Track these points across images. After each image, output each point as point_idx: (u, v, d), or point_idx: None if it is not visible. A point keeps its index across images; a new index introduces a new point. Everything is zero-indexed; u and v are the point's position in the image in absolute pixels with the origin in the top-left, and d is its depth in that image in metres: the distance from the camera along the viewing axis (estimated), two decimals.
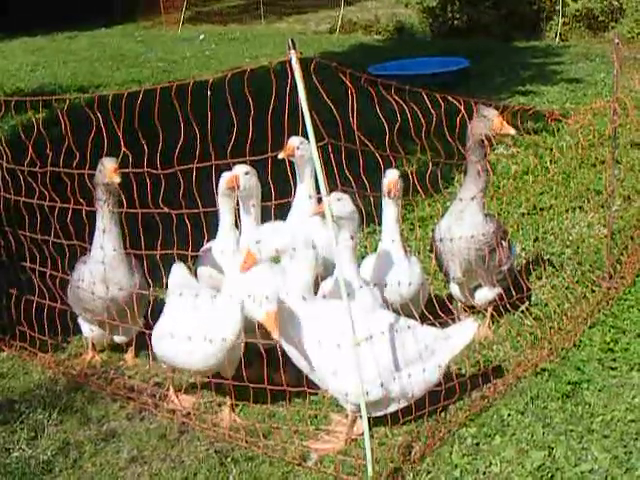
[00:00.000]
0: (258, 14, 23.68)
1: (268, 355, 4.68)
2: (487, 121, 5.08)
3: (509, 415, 4.52)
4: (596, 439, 4.27)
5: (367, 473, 4.05)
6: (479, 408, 4.58)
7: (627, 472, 4.02)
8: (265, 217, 5.06)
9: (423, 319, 4.79)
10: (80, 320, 5.42)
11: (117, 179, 4.90)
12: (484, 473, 4.09)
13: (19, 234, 5.50)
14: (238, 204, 5.12)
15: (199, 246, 5.18)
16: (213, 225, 5.14)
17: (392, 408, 4.41)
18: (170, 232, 4.86)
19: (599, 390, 4.70)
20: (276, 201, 4.52)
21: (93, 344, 5.47)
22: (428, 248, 6.28)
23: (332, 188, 4.22)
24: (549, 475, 4.03)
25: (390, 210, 5.05)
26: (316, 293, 4.77)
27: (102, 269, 5.04)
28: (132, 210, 4.72)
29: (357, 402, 4.12)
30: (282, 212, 5.18)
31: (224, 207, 5.12)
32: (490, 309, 5.52)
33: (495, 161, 8.59)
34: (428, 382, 4.43)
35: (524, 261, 6.43)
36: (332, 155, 4.18)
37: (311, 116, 3.77)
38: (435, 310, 5.00)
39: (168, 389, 4.92)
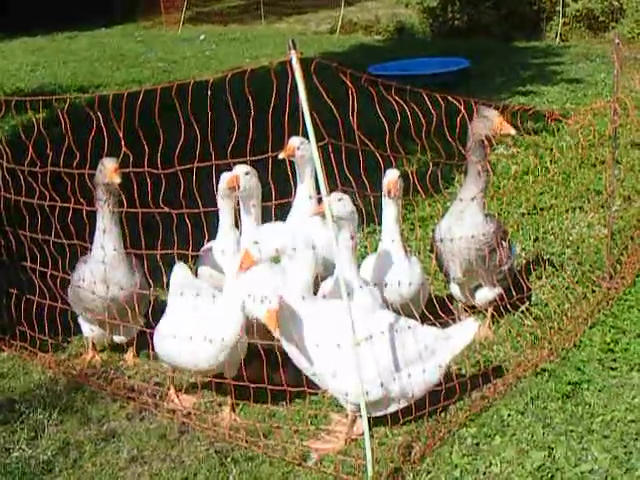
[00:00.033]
0: (258, 14, 23.68)
1: (268, 355, 4.68)
2: (487, 121, 5.08)
3: (509, 415, 4.52)
4: (596, 439, 4.27)
5: (367, 473, 4.04)
6: (479, 408, 4.58)
7: (627, 472, 4.02)
8: (265, 217, 5.07)
9: (423, 319, 4.79)
10: (80, 320, 5.42)
11: (117, 179, 4.90)
12: (484, 473, 4.09)
13: (19, 234, 5.50)
14: (238, 204, 5.12)
15: (199, 246, 5.18)
16: (213, 225, 5.14)
17: (392, 408, 4.41)
18: (170, 232, 4.87)
19: (599, 390, 4.70)
20: (276, 201, 4.52)
21: (93, 344, 5.47)
22: (428, 248, 6.28)
23: (332, 188, 4.22)
24: (549, 475, 4.03)
25: (390, 210, 5.05)
26: (316, 293, 4.77)
27: (102, 269, 5.04)
28: (132, 210, 4.72)
29: (357, 402, 4.12)
30: (282, 212, 5.19)
31: (224, 207, 5.12)
32: (490, 309, 5.52)
33: (495, 161, 8.59)
34: (428, 382, 4.43)
35: (524, 261, 6.43)
36: (332, 155, 4.18)
37: (311, 116, 3.77)
38: (435, 310, 5.00)
39: (168, 389, 4.92)
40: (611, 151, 6.09)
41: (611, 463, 4.08)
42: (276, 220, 4.93)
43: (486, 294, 5.48)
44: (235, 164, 4.92)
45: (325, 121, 4.06)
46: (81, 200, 5.01)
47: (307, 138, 3.93)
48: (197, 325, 4.48)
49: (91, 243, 5.14)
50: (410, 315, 4.76)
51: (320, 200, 4.12)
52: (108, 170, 4.93)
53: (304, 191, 5.34)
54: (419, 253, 6.18)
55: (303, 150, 5.24)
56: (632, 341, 5.17)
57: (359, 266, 4.98)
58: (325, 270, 5.09)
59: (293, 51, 3.78)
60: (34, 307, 5.33)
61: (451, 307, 5.53)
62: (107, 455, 4.42)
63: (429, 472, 4.12)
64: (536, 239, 6.86)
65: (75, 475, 4.28)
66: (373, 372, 4.23)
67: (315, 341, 4.24)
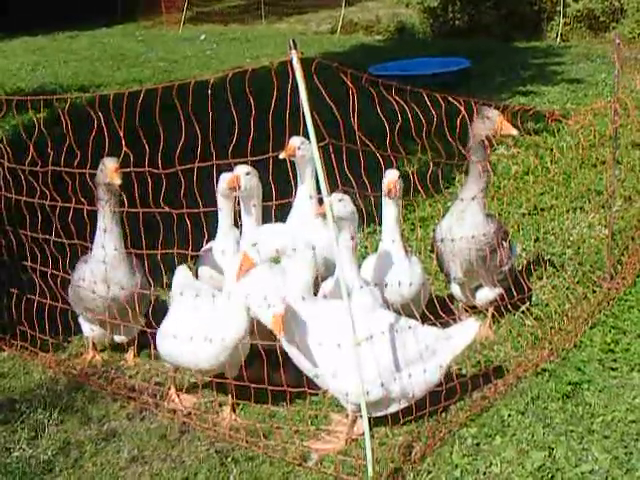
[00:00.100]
0: (259, 14, 23.68)
1: (268, 355, 4.68)
2: (488, 122, 5.08)
3: (509, 415, 4.52)
4: (596, 440, 4.27)
5: (367, 473, 4.04)
6: (480, 408, 4.58)
7: (627, 473, 4.02)
8: (266, 217, 5.07)
9: (424, 319, 4.79)
10: (81, 320, 5.42)
11: (118, 179, 4.90)
12: (484, 473, 4.09)
13: (20, 233, 5.50)
14: (239, 204, 5.13)
15: (199, 246, 5.18)
16: (213, 225, 5.15)
17: (393, 408, 4.41)
18: (171, 232, 4.87)
19: (600, 391, 4.70)
20: (277, 201, 4.51)
21: (94, 344, 5.48)
22: (429, 248, 6.29)
23: (333, 188, 4.22)
24: (549, 476, 4.03)
25: (390, 210, 5.05)
26: (316, 293, 4.77)
27: (103, 268, 5.04)
28: (133, 210, 4.72)
29: (357, 402, 4.12)
30: (283, 212, 5.19)
31: (224, 207, 5.13)
32: (491, 309, 5.52)
33: (496, 161, 8.59)
34: (429, 382, 4.43)
35: (525, 261, 6.43)
36: (333, 155, 4.18)
37: (312, 116, 3.77)
38: (436, 310, 5.00)
39: (169, 389, 4.92)
40: (612, 151, 6.09)
41: (611, 463, 4.08)
42: (276, 220, 4.93)
43: (487, 294, 5.48)
44: (236, 164, 4.92)
45: (325, 121, 4.06)
46: (82, 200, 5.01)
47: (308, 138, 3.93)
48: (199, 325, 4.48)
49: (92, 243, 5.14)
50: (411, 315, 4.76)
51: (321, 200, 4.12)
52: (109, 170, 4.93)
53: (305, 191, 5.34)
54: (420, 253, 6.17)
55: (304, 150, 5.23)
56: (633, 341, 5.17)
57: (360, 266, 4.98)
58: (326, 270, 5.09)
59: (294, 51, 3.78)
60: (35, 307, 5.33)
61: (452, 307, 5.53)
62: (107, 455, 4.42)
63: (429, 472, 4.12)
64: (537, 239, 6.86)
65: (75, 475, 4.28)
66: (373, 372, 4.23)
67: (315, 341, 4.24)
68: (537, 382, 4.82)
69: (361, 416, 4.05)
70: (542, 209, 7.53)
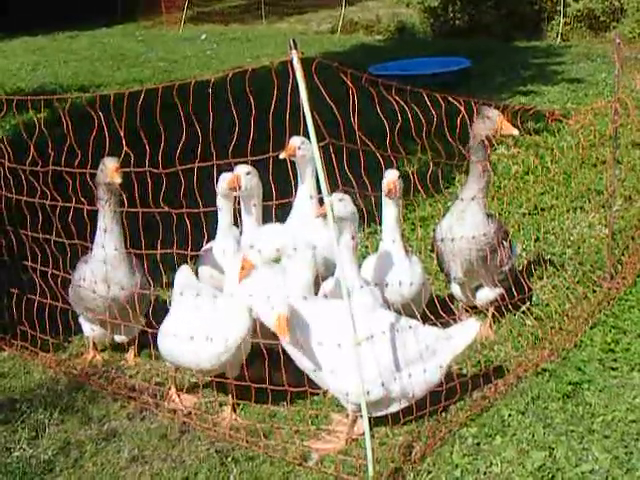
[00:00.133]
0: (259, 14, 23.67)
1: (269, 355, 4.68)
2: (489, 121, 5.08)
3: (510, 415, 4.52)
4: (597, 439, 4.27)
5: (368, 473, 4.05)
6: (480, 408, 4.58)
7: (628, 472, 4.02)
8: (266, 217, 5.07)
9: (424, 319, 4.79)
10: (81, 319, 5.42)
11: (118, 179, 4.90)
12: (485, 473, 4.09)
13: (21, 233, 5.50)
14: (239, 204, 5.13)
15: (200, 246, 5.18)
16: (213, 225, 5.15)
17: (393, 408, 4.41)
18: (171, 232, 4.87)
19: (600, 390, 4.70)
20: (277, 201, 4.52)
21: (94, 343, 5.48)
22: (429, 248, 6.29)
23: (333, 188, 4.22)
24: (550, 475, 4.03)
25: (390, 210, 5.05)
26: (317, 293, 4.77)
27: (103, 268, 5.04)
28: (133, 210, 4.73)
29: (358, 402, 4.12)
30: (283, 212, 5.19)
31: (223, 207, 5.13)
32: (491, 309, 5.52)
33: (496, 161, 8.59)
34: (429, 382, 4.43)
35: (525, 261, 6.43)
36: (333, 155, 4.18)
37: (312, 116, 3.77)
38: (436, 310, 5.00)
39: (169, 389, 4.92)
40: (612, 151, 6.09)
41: (612, 463, 4.08)
42: (277, 220, 4.93)
43: (487, 294, 5.48)
44: (236, 164, 4.92)
45: (326, 121, 4.06)
46: (82, 200, 5.01)
47: (308, 138, 3.93)
48: (201, 325, 4.49)
49: (92, 243, 5.14)
50: (411, 315, 4.76)
51: (321, 200, 4.12)
52: (109, 170, 4.93)
53: (305, 191, 5.34)
54: (420, 253, 6.17)
55: (304, 150, 5.23)
56: (633, 341, 5.17)
57: (360, 266, 4.98)
58: (326, 270, 5.09)
59: (294, 51, 3.78)
60: (35, 306, 5.33)
61: (452, 307, 5.52)
62: (108, 455, 4.42)
63: (430, 472, 4.12)
64: (537, 239, 6.86)
65: (76, 475, 4.28)
66: (374, 372, 4.23)
67: (316, 341, 4.24)
68: (537, 382, 4.82)
69: (361, 416, 4.05)
70: (542, 209, 7.53)
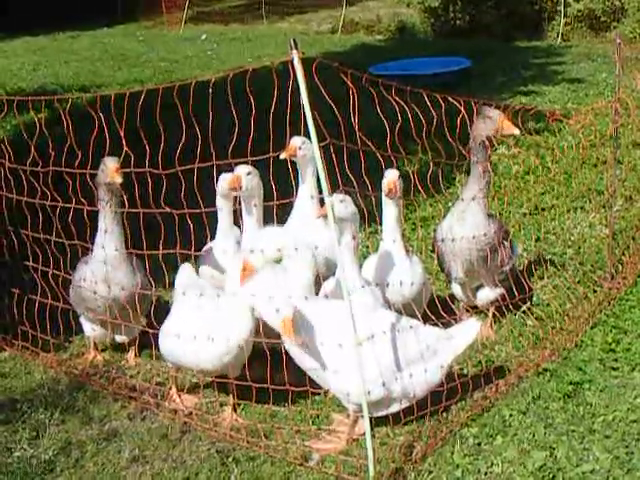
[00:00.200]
0: (260, 14, 23.65)
1: (270, 355, 4.68)
2: (490, 121, 5.08)
3: (511, 415, 4.52)
4: (598, 439, 4.27)
5: (369, 473, 4.04)
6: (481, 408, 4.58)
7: (628, 472, 4.02)
8: (267, 217, 5.07)
9: (425, 319, 4.79)
10: (82, 319, 5.42)
11: (119, 179, 4.90)
12: (486, 473, 4.09)
13: (21, 233, 5.50)
14: (240, 204, 5.13)
15: (200, 246, 5.18)
16: (214, 225, 5.15)
17: (394, 408, 4.40)
18: (172, 232, 4.86)
19: (601, 390, 4.70)
20: (278, 201, 4.52)
21: (95, 344, 5.48)
22: (430, 248, 6.28)
23: (333, 188, 4.22)
24: (550, 475, 4.03)
25: (390, 210, 5.05)
26: (317, 293, 4.77)
27: (104, 269, 5.04)
28: (134, 210, 4.73)
29: (359, 402, 4.12)
30: (284, 212, 5.19)
31: (223, 207, 5.13)
32: (492, 309, 5.52)
33: (497, 161, 8.59)
34: (430, 382, 4.43)
35: (526, 261, 6.43)
36: (334, 155, 4.18)
37: (313, 116, 3.77)
38: (437, 310, 5.00)
39: (170, 389, 4.92)
40: (612, 151, 6.09)
41: (612, 463, 4.08)
42: (277, 220, 4.93)
43: (488, 294, 5.48)
44: (236, 164, 4.92)
45: (326, 121, 4.06)
46: (82, 200, 5.01)
47: (309, 138, 3.93)
48: (203, 325, 4.48)
49: (92, 243, 5.14)
50: (412, 315, 4.76)
51: (322, 201, 4.12)
52: (110, 170, 4.93)
53: (306, 191, 5.34)
54: (421, 253, 6.17)
55: (305, 150, 5.23)
56: (634, 341, 5.17)
57: (361, 266, 4.98)
58: (327, 270, 5.09)
59: (295, 51, 3.78)
60: (36, 307, 5.33)
61: (453, 307, 5.52)
62: (109, 455, 4.42)
63: (430, 472, 4.12)
64: (537, 239, 6.86)
65: (76, 475, 4.28)
66: (375, 372, 4.23)
67: (317, 341, 4.24)
68: (538, 382, 4.82)
69: (362, 416, 4.05)
70: (543, 209, 7.53)
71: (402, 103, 4.58)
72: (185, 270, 4.99)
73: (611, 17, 17.89)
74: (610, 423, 4.40)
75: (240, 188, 4.95)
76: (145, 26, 24.35)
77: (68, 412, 4.82)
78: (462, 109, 4.71)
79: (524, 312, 5.60)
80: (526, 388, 4.76)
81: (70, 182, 4.96)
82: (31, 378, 5.24)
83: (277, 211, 4.76)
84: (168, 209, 4.54)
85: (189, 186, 4.67)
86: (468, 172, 5.31)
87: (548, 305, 5.70)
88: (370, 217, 5.16)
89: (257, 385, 4.46)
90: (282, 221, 5.21)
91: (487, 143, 5.11)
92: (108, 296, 5.08)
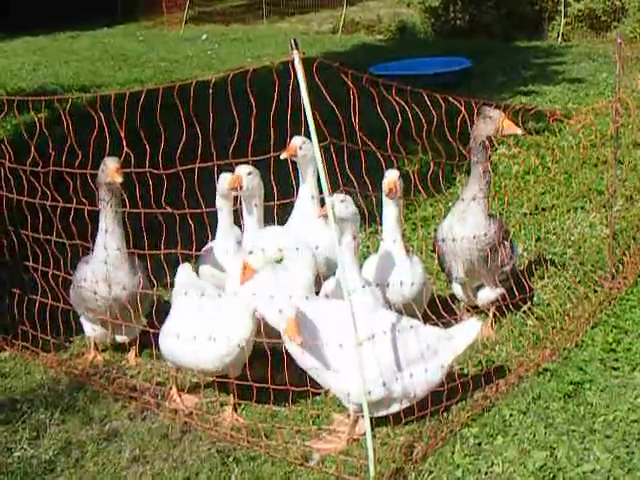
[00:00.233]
0: (260, 14, 23.67)
1: (271, 355, 4.68)
2: (490, 121, 5.08)
3: (511, 415, 4.52)
4: (598, 439, 4.27)
5: (369, 473, 4.04)
6: (481, 408, 4.58)
7: (629, 472, 4.02)
8: (267, 217, 5.07)
9: (426, 319, 4.79)
10: (82, 320, 5.42)
11: (119, 179, 4.90)
12: (486, 473, 4.09)
13: (22, 233, 5.50)
14: (240, 204, 5.13)
15: (201, 246, 5.18)
16: (215, 225, 5.15)
17: (394, 408, 4.40)
18: (173, 232, 4.86)
19: (601, 390, 4.70)
20: (279, 201, 4.51)
21: (95, 344, 5.48)
22: (430, 248, 6.28)
23: (334, 188, 4.22)
24: (551, 475, 4.03)
25: (391, 210, 5.04)
26: (318, 293, 4.77)
27: (105, 269, 5.04)
28: (134, 210, 4.73)
29: (359, 402, 4.12)
30: (284, 212, 5.18)
31: (223, 207, 5.13)
32: (492, 309, 5.52)
33: (497, 161, 8.59)
34: (430, 382, 4.42)
35: (526, 261, 6.43)
36: (334, 155, 4.18)
37: (313, 116, 3.77)
38: (438, 310, 5.00)
39: (170, 389, 4.92)
40: (613, 151, 6.09)
41: (613, 463, 4.08)
42: (278, 220, 4.94)
43: (488, 294, 5.48)
44: (237, 164, 4.92)
45: (327, 121, 4.06)
46: (83, 200, 5.01)
47: (309, 138, 3.93)
48: (203, 325, 4.48)
49: (93, 243, 5.14)
50: (412, 315, 4.76)
51: (323, 201, 4.12)
52: (110, 170, 4.93)
53: (306, 191, 5.34)
54: (421, 253, 6.17)
55: (305, 150, 5.23)
56: (634, 341, 5.17)
57: (361, 266, 4.98)
58: (328, 270, 5.09)
59: (295, 51, 3.78)
60: (36, 307, 5.33)
61: (453, 307, 5.52)
62: (109, 455, 4.42)
63: (431, 472, 4.12)
64: (538, 239, 6.86)
65: (77, 475, 4.28)
66: (375, 372, 4.23)
67: (318, 341, 4.24)
68: (539, 382, 4.82)
69: (363, 416, 4.05)
70: (543, 209, 7.53)
71: (402, 103, 4.58)
72: (184, 270, 4.99)
73: (611, 17, 17.90)
74: (611, 423, 4.40)
75: (241, 188, 4.95)
76: (145, 26, 24.37)
77: (68, 412, 4.82)
78: (462, 109, 4.71)
79: (524, 312, 5.60)
80: (526, 388, 4.76)
81: (70, 182, 4.95)
82: (31, 378, 5.24)
83: (278, 211, 4.76)
84: (169, 209, 4.54)
85: (190, 186, 4.67)
86: (468, 172, 5.31)
87: (548, 305, 5.70)
88: (370, 217, 5.16)
89: (258, 385, 4.46)
90: (283, 221, 5.21)
91: (487, 143, 5.11)
92: (109, 296, 5.08)
